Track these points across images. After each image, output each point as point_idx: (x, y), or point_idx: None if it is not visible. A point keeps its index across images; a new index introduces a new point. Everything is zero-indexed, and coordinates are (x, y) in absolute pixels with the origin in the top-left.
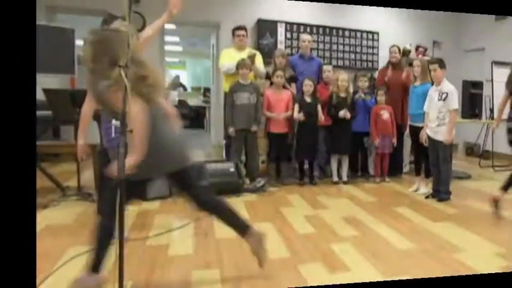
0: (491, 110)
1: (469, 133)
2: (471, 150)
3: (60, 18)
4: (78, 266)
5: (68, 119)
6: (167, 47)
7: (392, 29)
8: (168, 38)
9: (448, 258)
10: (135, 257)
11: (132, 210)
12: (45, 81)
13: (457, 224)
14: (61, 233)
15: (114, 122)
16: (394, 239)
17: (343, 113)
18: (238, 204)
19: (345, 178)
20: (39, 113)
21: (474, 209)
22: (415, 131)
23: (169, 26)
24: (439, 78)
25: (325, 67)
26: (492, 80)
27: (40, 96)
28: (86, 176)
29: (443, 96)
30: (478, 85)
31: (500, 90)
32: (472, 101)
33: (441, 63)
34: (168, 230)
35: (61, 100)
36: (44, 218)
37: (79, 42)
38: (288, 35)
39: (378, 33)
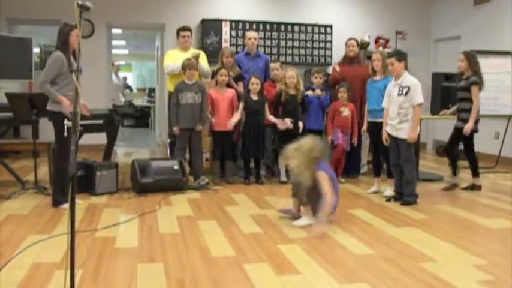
0: None
1: (441, 131)
2: (443, 150)
3: (20, 29)
4: (35, 252)
5: (26, 119)
6: (114, 51)
7: (348, 21)
8: (115, 42)
9: (415, 267)
10: (84, 248)
11: (82, 204)
12: (7, 86)
13: (424, 230)
14: (21, 222)
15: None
16: (349, 243)
17: (288, 123)
18: (182, 201)
19: (283, 178)
20: (1, 114)
21: (446, 214)
22: (376, 127)
23: (116, 31)
24: (397, 72)
25: (272, 65)
26: None
27: (3, 99)
28: (42, 172)
29: (405, 90)
30: (452, 77)
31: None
32: (444, 95)
33: (399, 56)
34: (115, 223)
35: (21, 103)
36: (6, 208)
37: (36, 50)
38: (233, 33)
39: (330, 26)
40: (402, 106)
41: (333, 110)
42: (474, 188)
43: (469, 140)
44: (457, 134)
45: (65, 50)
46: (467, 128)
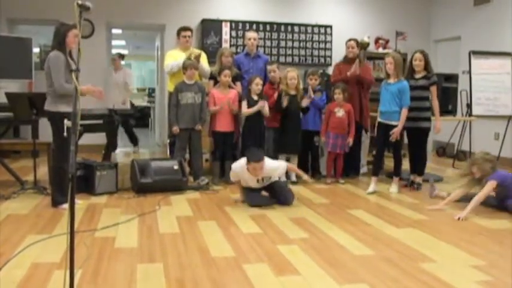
0: (469, 106)
1: (441, 131)
2: (443, 151)
3: (20, 29)
4: (34, 252)
5: (26, 119)
6: (114, 51)
7: (348, 22)
8: (114, 42)
9: (414, 268)
10: (84, 248)
11: (81, 204)
12: (7, 86)
13: (424, 231)
14: (20, 222)
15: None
16: (349, 243)
17: (285, 102)
18: (182, 201)
19: (293, 178)
20: (1, 114)
21: (445, 215)
22: (387, 129)
23: (116, 31)
24: None
25: (268, 67)
26: (470, 71)
27: (2, 99)
28: (42, 172)
29: None
30: (452, 78)
31: (479, 83)
32: (444, 96)
33: None
34: (115, 223)
35: (20, 103)
36: (5, 208)
37: (36, 50)
38: (233, 33)
39: (330, 27)
40: None
41: (328, 111)
42: (416, 185)
43: (425, 139)
44: (425, 134)
45: (62, 50)
46: (440, 126)
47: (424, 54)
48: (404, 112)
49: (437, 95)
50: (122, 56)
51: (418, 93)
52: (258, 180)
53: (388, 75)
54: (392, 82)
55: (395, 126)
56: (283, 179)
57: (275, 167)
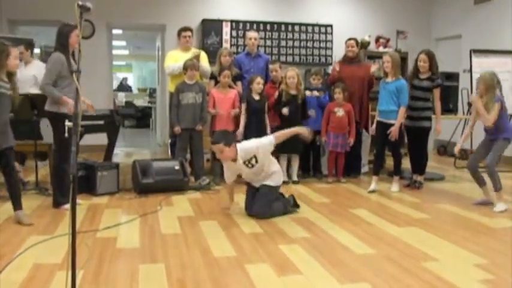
0: (470, 104)
1: (442, 130)
2: (444, 149)
3: (21, 30)
4: (36, 253)
5: (27, 120)
6: (114, 51)
7: (348, 21)
8: (115, 43)
9: (416, 267)
10: (85, 249)
11: (83, 205)
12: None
13: (426, 230)
14: (21, 224)
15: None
16: (350, 242)
17: (286, 111)
18: (183, 201)
19: (294, 178)
20: None
21: (447, 214)
22: (385, 127)
23: (116, 31)
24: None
25: (271, 66)
26: (471, 70)
27: None
28: (43, 172)
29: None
30: (453, 77)
31: None
32: (445, 94)
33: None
34: (116, 224)
35: (21, 103)
36: (7, 209)
37: (36, 51)
38: (234, 33)
39: (331, 26)
40: None
41: (328, 111)
42: (418, 184)
43: (426, 139)
44: (426, 134)
45: (64, 51)
46: (440, 128)
47: (430, 56)
48: (402, 111)
49: (440, 96)
50: (30, 46)
51: (421, 93)
52: (246, 164)
53: (386, 74)
54: (390, 81)
55: (393, 125)
56: (285, 178)
57: (250, 146)
